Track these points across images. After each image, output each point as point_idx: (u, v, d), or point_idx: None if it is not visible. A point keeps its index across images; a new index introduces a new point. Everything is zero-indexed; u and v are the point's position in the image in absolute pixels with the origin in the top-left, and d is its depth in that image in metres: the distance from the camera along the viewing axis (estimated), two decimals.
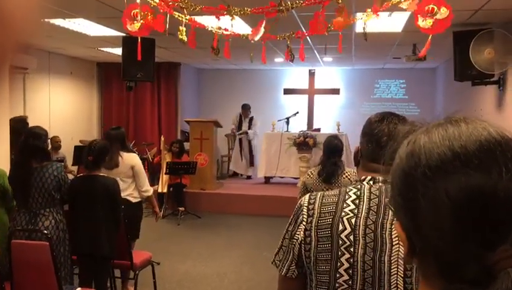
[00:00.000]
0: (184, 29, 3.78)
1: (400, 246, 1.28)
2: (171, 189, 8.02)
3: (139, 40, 4.05)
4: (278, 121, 9.79)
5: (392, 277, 1.27)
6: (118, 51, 7.76)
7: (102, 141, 3.84)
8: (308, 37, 6.25)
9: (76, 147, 7.81)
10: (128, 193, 4.37)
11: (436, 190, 0.56)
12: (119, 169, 4.26)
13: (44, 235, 3.24)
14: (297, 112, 9.96)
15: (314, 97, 10.65)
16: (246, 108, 10.12)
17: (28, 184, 3.43)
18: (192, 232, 7.09)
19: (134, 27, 3.32)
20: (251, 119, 10.10)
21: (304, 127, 10.07)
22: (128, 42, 6.08)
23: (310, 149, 8.99)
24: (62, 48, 8.31)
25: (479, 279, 0.55)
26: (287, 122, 9.76)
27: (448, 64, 8.80)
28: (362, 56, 8.78)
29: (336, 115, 10.53)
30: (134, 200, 4.42)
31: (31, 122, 6.12)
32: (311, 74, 10.72)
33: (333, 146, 3.82)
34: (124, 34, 6.31)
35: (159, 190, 7.86)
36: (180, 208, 7.71)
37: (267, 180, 9.73)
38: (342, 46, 5.12)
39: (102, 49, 8.27)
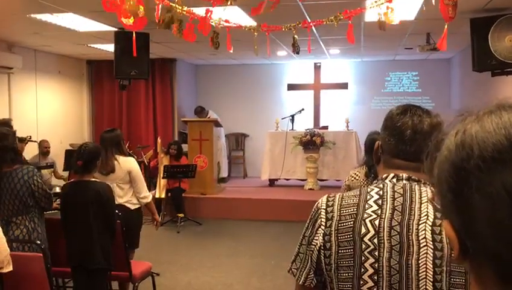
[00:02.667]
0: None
1: (429, 248, 1.27)
2: (169, 194, 8.01)
3: (134, 34, 4.06)
4: (282, 119, 9.78)
5: (420, 282, 1.26)
6: (110, 47, 7.76)
7: (93, 144, 3.82)
8: (313, 28, 6.24)
9: (67, 151, 7.79)
10: (127, 199, 4.36)
11: (492, 183, 0.55)
12: (116, 174, 4.25)
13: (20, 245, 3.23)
14: (303, 109, 9.95)
15: (320, 92, 10.63)
16: (197, 112, 9.86)
17: None
18: (193, 240, 7.08)
19: (129, 21, 3.32)
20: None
21: (310, 125, 10.07)
22: (121, 37, 6.09)
23: (318, 148, 8.98)
24: (49, 45, 8.31)
25: None
26: (292, 120, 9.75)
27: (464, 54, 8.77)
28: (372, 47, 8.77)
29: (345, 111, 10.51)
30: (133, 207, 4.41)
31: (17, 126, 6.10)
32: (317, 68, 10.70)
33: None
34: (116, 29, 6.32)
35: (157, 195, 7.86)
36: (180, 215, 7.71)
37: (272, 183, 9.72)
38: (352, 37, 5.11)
39: (92, 45, 8.27)
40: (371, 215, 1.33)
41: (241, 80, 11.34)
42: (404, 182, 1.37)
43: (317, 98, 10.63)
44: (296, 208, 8.05)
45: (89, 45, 8.27)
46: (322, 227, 1.37)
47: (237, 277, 5.52)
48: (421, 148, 1.36)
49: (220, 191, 9.02)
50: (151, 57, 7.16)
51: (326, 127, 9.78)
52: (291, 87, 10.78)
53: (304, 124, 9.97)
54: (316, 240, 1.38)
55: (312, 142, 8.93)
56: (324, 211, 1.40)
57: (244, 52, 8.92)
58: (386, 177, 1.40)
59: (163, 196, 7.91)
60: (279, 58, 10.06)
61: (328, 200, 1.42)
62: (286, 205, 8.26)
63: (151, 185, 8.96)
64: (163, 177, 7.80)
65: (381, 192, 1.37)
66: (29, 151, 7.27)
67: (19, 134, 4.66)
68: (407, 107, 1.43)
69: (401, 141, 1.38)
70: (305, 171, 9.23)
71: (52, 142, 8.06)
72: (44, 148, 7.74)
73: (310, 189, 9.07)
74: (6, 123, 5.39)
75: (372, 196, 1.36)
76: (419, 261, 1.27)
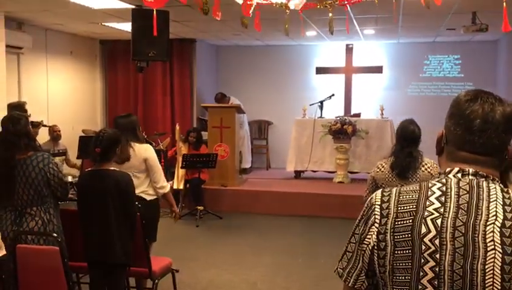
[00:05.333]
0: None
1: (497, 252, 1.24)
2: (188, 185, 8.06)
3: (155, 12, 4.06)
4: (310, 105, 9.73)
5: (486, 289, 1.23)
6: (125, 26, 7.80)
7: (112, 130, 3.83)
8: (347, 6, 6.16)
9: (81, 138, 7.87)
10: (142, 189, 4.39)
11: None
12: (131, 163, 4.25)
13: (32, 238, 3.27)
14: (333, 95, 9.88)
15: (352, 77, 10.53)
16: (217, 99, 9.84)
17: (11, 179, 3.46)
18: (213, 234, 7.13)
19: None
20: None
21: (341, 112, 10.00)
22: (138, 15, 6.10)
23: (349, 138, 8.92)
24: (61, 23, 8.37)
25: None
26: (321, 107, 9.69)
27: None
28: (410, 27, 8.63)
29: (379, 98, 10.41)
30: (149, 198, 4.44)
31: (27, 108, 6.19)
32: (349, 50, 10.59)
33: (409, 133, 3.70)
34: (133, 6, 6.33)
35: (174, 186, 7.91)
36: (199, 207, 7.75)
37: (298, 174, 9.71)
38: (385, 16, 5.04)
39: (107, 24, 8.30)
40: (433, 214, 1.30)
41: (265, 63, 11.30)
42: (471, 177, 1.34)
43: (348, 83, 10.54)
44: (324, 203, 8.03)
45: (103, 24, 8.31)
46: (376, 225, 1.36)
47: (261, 275, 5.53)
48: (492, 140, 1.33)
49: (242, 182, 9.04)
50: (169, 37, 7.17)
51: (358, 115, 9.70)
52: (320, 70, 10.70)
53: (334, 111, 9.90)
54: (369, 238, 1.36)
55: (343, 131, 8.86)
56: (379, 207, 1.38)
57: (269, 32, 8.87)
58: (449, 172, 1.37)
59: (181, 187, 7.96)
60: (307, 39, 9.97)
61: (383, 195, 1.39)
62: (313, 199, 8.24)
63: (169, 175, 9.02)
64: (181, 167, 7.83)
65: (444, 188, 1.34)
66: (40, 137, 7.37)
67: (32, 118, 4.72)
68: (477, 92, 1.38)
69: (468, 131, 1.34)
70: (335, 162, 9.18)
71: (64, 128, 8.15)
72: (54, 133, 7.84)
73: (340, 182, 9.02)
74: (21, 106, 5.48)
75: (434, 192, 1.33)
76: (486, 267, 1.24)
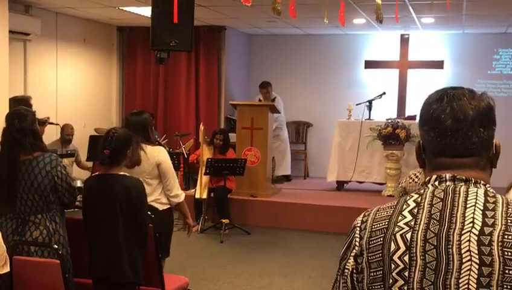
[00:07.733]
0: None
1: (473, 263, 1.26)
2: (212, 195, 8.12)
3: None
4: (356, 105, 9.70)
5: None
6: (146, 11, 7.93)
7: (123, 130, 3.89)
8: None
9: (92, 138, 8.02)
10: (155, 197, 4.46)
11: None
12: (142, 167, 4.31)
13: (34, 250, 3.35)
14: (384, 93, 9.81)
15: (407, 72, 10.48)
16: (262, 87, 9.91)
17: (14, 182, 3.54)
18: (240, 252, 7.16)
19: None
20: (273, 101, 9.69)
21: (393, 114, 9.94)
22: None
23: (401, 144, 8.84)
24: (73, 7, 8.57)
25: None
26: (369, 107, 9.63)
27: None
28: (477, 16, 8.53)
29: None
30: (162, 207, 4.51)
31: (33, 104, 6.35)
32: (404, 41, 10.54)
33: None
34: None
35: (197, 196, 7.97)
36: (224, 221, 7.79)
37: (340, 185, 9.69)
38: (444, 2, 5.00)
39: (125, 8, 8.46)
40: (403, 229, 1.35)
41: (305, 55, 11.32)
42: (448, 183, 1.38)
43: (403, 80, 10.48)
44: None
45: (121, 8, 8.47)
46: (356, 247, 1.43)
47: None
48: (470, 139, 1.38)
49: (274, 193, 9.05)
50: (195, 24, 7.24)
51: (413, 117, 9.59)
52: (369, 64, 10.67)
53: (385, 112, 9.87)
54: (348, 264, 1.44)
55: (394, 136, 8.80)
56: (358, 229, 1.45)
57: (310, 19, 8.88)
58: (428, 181, 1.42)
59: (204, 196, 8.00)
60: (355, 27, 9.95)
61: (363, 216, 1.47)
62: (357, 214, 8.10)
63: (191, 182, 9.11)
64: (205, 174, 7.88)
65: (419, 199, 1.38)
66: (47, 136, 7.53)
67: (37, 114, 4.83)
68: (443, 90, 1.43)
69: (443, 134, 1.39)
70: (384, 172, 9.11)
71: (74, 125, 8.31)
72: (66, 135, 8.01)
73: (390, 196, 8.94)
74: (25, 101, 5.62)
75: (409, 205, 1.38)
76: (460, 281, 1.27)
